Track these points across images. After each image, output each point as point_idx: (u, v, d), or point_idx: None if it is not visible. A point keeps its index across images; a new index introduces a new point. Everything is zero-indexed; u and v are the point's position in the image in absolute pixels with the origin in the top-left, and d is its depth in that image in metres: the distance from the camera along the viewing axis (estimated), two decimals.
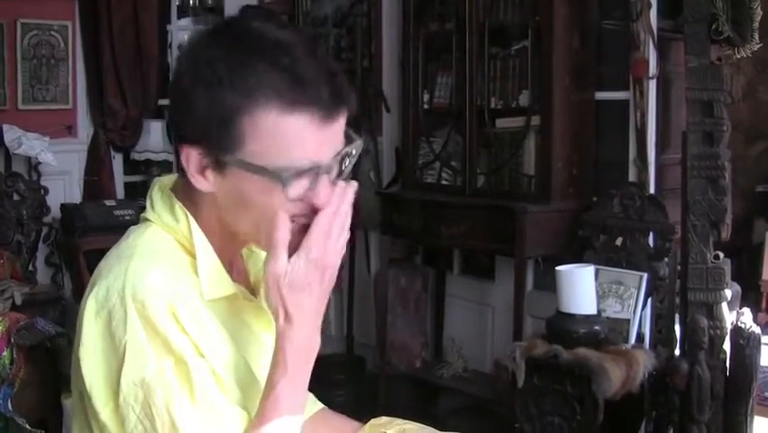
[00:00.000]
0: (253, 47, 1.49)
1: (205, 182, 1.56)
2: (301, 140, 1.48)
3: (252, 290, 1.75)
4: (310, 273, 1.51)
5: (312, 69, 1.49)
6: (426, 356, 5.81)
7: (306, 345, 1.55)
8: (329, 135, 1.52)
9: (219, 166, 1.53)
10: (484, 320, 5.57)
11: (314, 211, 1.54)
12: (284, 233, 1.50)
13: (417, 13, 5.44)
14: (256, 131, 1.48)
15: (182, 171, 1.60)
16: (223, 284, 1.61)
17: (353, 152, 1.60)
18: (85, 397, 1.51)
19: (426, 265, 6.01)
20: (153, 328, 1.46)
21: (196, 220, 1.61)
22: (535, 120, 4.79)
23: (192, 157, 1.54)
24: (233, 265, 1.69)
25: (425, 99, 5.48)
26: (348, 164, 1.60)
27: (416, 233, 5.29)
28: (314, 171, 1.51)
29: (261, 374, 1.62)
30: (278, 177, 1.49)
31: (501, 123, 5.03)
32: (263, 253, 1.73)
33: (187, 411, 1.45)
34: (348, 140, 1.58)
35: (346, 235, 1.56)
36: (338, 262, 1.55)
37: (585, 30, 4.80)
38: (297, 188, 1.51)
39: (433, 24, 5.47)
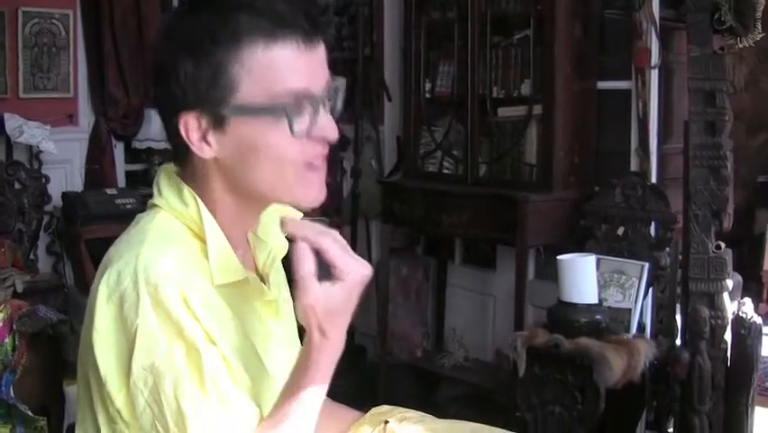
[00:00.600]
0: (225, 4, 1.54)
1: (208, 148, 1.57)
2: (290, 66, 1.52)
3: (261, 278, 1.74)
4: (347, 296, 1.52)
5: (286, 5, 1.53)
6: (427, 346, 5.82)
7: (336, 354, 1.55)
8: (316, 62, 1.56)
9: (219, 123, 1.54)
10: (485, 310, 5.58)
11: (325, 150, 1.58)
12: (308, 265, 1.49)
13: (419, 1, 5.44)
14: (246, 72, 1.51)
15: (180, 157, 1.62)
16: (233, 269, 1.60)
17: (340, 87, 1.64)
18: (98, 382, 1.51)
19: (427, 255, 6.01)
20: (166, 313, 1.45)
21: (205, 204, 1.61)
22: (537, 109, 4.79)
23: (191, 124, 1.55)
24: (241, 252, 1.68)
25: (426, 88, 5.48)
26: (339, 100, 1.63)
27: (418, 222, 5.30)
28: (310, 100, 1.54)
29: (269, 362, 1.64)
30: (280, 109, 1.51)
31: (503, 112, 5.03)
32: (270, 241, 1.76)
33: (195, 399, 1.45)
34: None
35: None
36: (367, 270, 1.55)
37: (587, 19, 4.80)
38: (300, 122, 1.53)
39: (434, 13, 5.46)
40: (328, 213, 6.54)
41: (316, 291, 1.49)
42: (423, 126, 5.49)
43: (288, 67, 1.52)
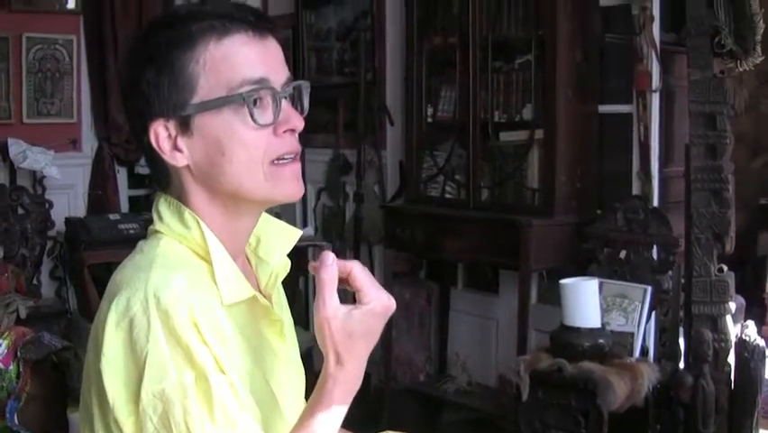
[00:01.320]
0: (177, 18, 1.60)
1: (180, 155, 1.59)
2: (243, 56, 1.56)
3: (264, 297, 1.74)
4: (368, 322, 1.52)
5: (231, 5, 1.62)
6: (430, 370, 5.81)
7: (353, 388, 1.55)
8: (270, 54, 1.60)
9: (185, 126, 1.57)
10: (488, 334, 5.57)
11: (294, 145, 1.61)
12: (331, 271, 1.50)
13: (421, 27, 5.46)
14: (202, 68, 1.55)
15: (162, 178, 1.65)
16: (241, 287, 1.60)
17: (306, 85, 1.67)
18: (104, 409, 1.49)
19: (430, 279, 6.01)
20: (176, 339, 1.45)
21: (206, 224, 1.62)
22: (539, 133, 4.80)
23: (160, 133, 1.58)
24: (244, 271, 1.68)
25: (428, 113, 5.49)
26: (305, 98, 1.66)
27: (420, 247, 5.30)
28: (270, 90, 1.57)
29: (274, 384, 1.65)
30: (238, 98, 1.54)
31: (505, 136, 5.04)
32: (271, 260, 1.77)
33: (204, 426, 1.44)
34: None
35: None
36: (391, 302, 1.55)
37: (588, 43, 4.81)
38: (262, 114, 1.56)
39: (436, 38, 5.48)
40: (331, 238, 6.56)
41: (336, 307, 1.49)
42: (425, 151, 5.50)
43: (241, 57, 1.56)
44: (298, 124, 1.60)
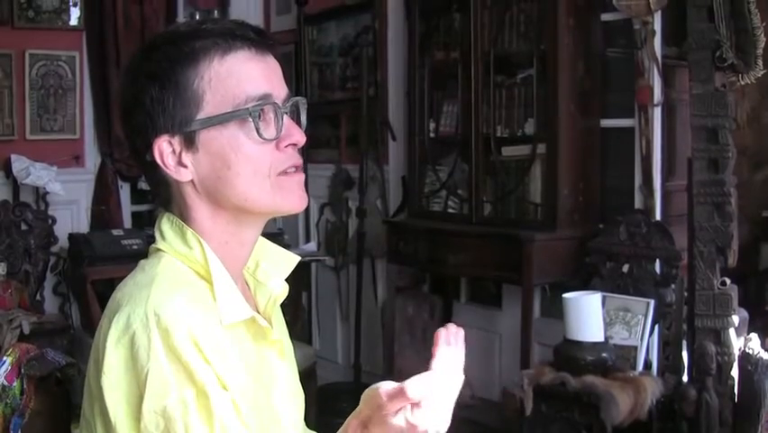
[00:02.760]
0: (179, 36, 1.61)
1: (185, 171, 1.61)
2: (246, 72, 1.59)
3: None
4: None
5: (233, 22, 1.64)
6: None
7: None
8: (271, 67, 1.64)
9: (191, 141, 1.59)
10: (491, 348, 5.57)
11: (296, 158, 1.64)
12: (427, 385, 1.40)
13: (423, 42, 5.48)
14: (207, 84, 1.57)
15: (164, 197, 1.67)
16: (241, 307, 1.61)
17: (304, 102, 1.69)
18: (106, 426, 1.49)
19: (433, 294, 6.01)
20: (176, 356, 1.45)
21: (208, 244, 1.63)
22: (541, 148, 4.80)
23: (165, 149, 1.60)
24: (243, 294, 1.68)
25: (431, 128, 5.51)
26: (303, 113, 1.69)
27: (423, 261, 5.31)
28: (272, 106, 1.60)
29: (275, 404, 1.65)
30: (244, 113, 1.57)
31: (507, 151, 5.04)
32: (269, 284, 1.78)
33: None
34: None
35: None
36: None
37: (590, 58, 4.83)
38: (266, 128, 1.59)
39: (438, 53, 5.50)
40: (334, 253, 6.57)
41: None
42: (427, 166, 5.52)
43: (245, 73, 1.59)
44: (300, 138, 1.63)
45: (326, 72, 6.89)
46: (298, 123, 1.67)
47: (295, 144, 1.63)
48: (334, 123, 6.72)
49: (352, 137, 6.51)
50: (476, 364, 5.55)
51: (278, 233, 6.30)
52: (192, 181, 1.62)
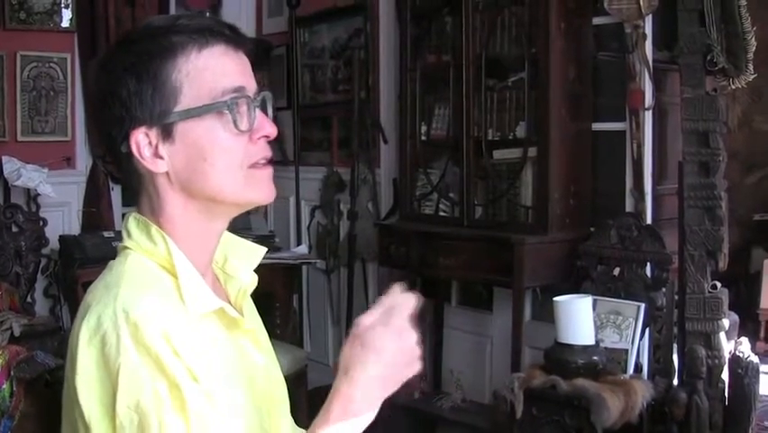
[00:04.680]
0: (157, 30, 1.65)
1: (161, 161, 1.63)
2: (223, 67, 1.64)
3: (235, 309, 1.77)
4: (388, 343, 1.58)
5: (208, 19, 1.71)
6: (425, 387, 5.80)
7: (355, 408, 1.58)
8: (244, 63, 1.68)
9: (168, 133, 1.62)
10: (482, 351, 5.57)
11: (267, 151, 1.68)
12: (392, 298, 1.61)
13: (414, 45, 5.47)
14: (185, 77, 1.61)
15: (136, 188, 1.71)
16: (208, 298, 1.63)
17: (270, 96, 1.73)
18: (84, 426, 1.51)
19: (424, 296, 5.98)
20: (146, 351, 1.46)
21: (174, 239, 1.65)
22: (532, 151, 4.80)
23: (141, 141, 1.63)
24: (210, 281, 1.72)
25: (422, 131, 5.49)
26: (269, 108, 1.72)
27: (414, 264, 5.30)
28: (246, 99, 1.64)
29: (257, 397, 1.67)
30: (222, 105, 1.61)
31: (498, 154, 5.03)
32: (239, 276, 1.82)
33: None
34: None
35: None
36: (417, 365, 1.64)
37: (581, 61, 4.83)
38: (242, 120, 1.63)
39: (430, 56, 5.50)
40: (326, 256, 6.56)
41: (371, 319, 1.58)
42: (419, 169, 5.51)
43: (221, 67, 1.63)
44: (273, 130, 1.68)
45: (318, 75, 6.89)
46: (267, 116, 1.71)
47: (267, 136, 1.68)
48: (326, 125, 6.72)
49: (343, 140, 6.52)
50: (466, 367, 5.58)
51: (269, 235, 6.31)
52: (167, 173, 1.65)
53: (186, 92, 1.61)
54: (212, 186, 1.64)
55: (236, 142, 1.63)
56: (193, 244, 1.67)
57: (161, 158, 1.63)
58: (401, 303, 1.60)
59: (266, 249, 1.89)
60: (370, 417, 1.60)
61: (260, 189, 1.68)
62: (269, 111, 1.72)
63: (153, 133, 1.62)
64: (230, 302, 1.77)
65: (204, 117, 1.61)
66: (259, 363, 1.74)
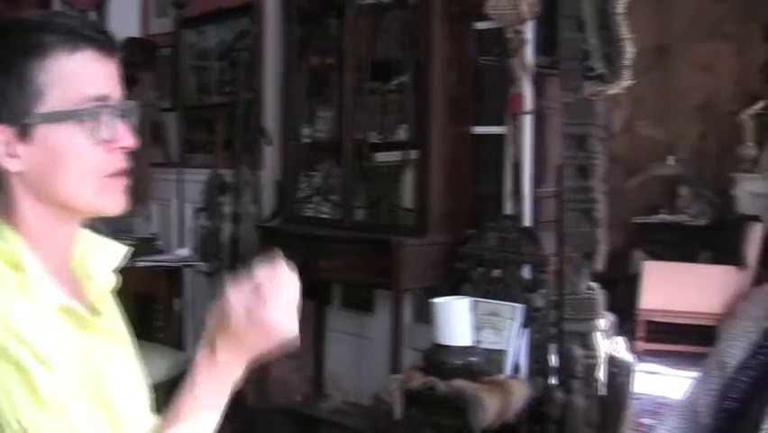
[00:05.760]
0: (29, 26, 1.62)
1: (15, 160, 1.60)
2: (90, 74, 1.60)
3: (94, 311, 1.74)
4: (261, 323, 1.60)
5: (81, 21, 1.65)
6: (307, 390, 5.79)
7: (224, 381, 1.65)
8: (113, 70, 1.65)
9: (25, 133, 1.58)
10: (363, 353, 5.58)
11: (125, 161, 1.66)
12: (264, 272, 1.64)
13: (300, 47, 5.46)
14: (51, 80, 1.57)
15: None
16: (54, 294, 1.60)
17: (135, 106, 1.73)
18: None
19: (306, 298, 5.97)
20: None
21: (23, 235, 1.62)
22: (414, 154, 4.82)
23: None
24: (63, 280, 1.68)
25: (306, 133, 5.49)
26: (133, 119, 1.69)
27: (296, 266, 5.27)
28: (109, 108, 1.61)
29: (113, 390, 1.65)
30: (84, 113, 1.58)
31: (380, 157, 5.06)
32: (97, 276, 1.78)
33: (35, 418, 1.44)
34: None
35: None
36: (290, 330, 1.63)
37: (463, 66, 4.86)
38: (101, 129, 1.60)
39: (314, 59, 5.49)
40: (208, 258, 6.51)
41: (239, 292, 1.61)
42: (302, 171, 5.50)
43: (89, 74, 1.60)
44: (131, 142, 1.65)
45: (204, 76, 6.83)
46: (129, 127, 1.69)
47: (125, 147, 1.65)
48: (211, 127, 6.66)
49: (228, 142, 6.47)
50: (348, 369, 5.58)
51: (151, 237, 6.24)
52: (20, 173, 1.61)
53: (50, 95, 1.57)
54: (65, 191, 1.62)
55: (94, 150, 1.60)
56: (44, 244, 1.64)
57: (17, 157, 1.59)
58: (270, 273, 1.63)
59: (127, 248, 1.86)
60: (236, 374, 1.65)
61: (112, 199, 1.66)
62: (133, 121, 1.69)
63: (10, 132, 1.58)
64: (89, 302, 1.74)
65: (65, 123, 1.58)
66: (116, 362, 1.71)
